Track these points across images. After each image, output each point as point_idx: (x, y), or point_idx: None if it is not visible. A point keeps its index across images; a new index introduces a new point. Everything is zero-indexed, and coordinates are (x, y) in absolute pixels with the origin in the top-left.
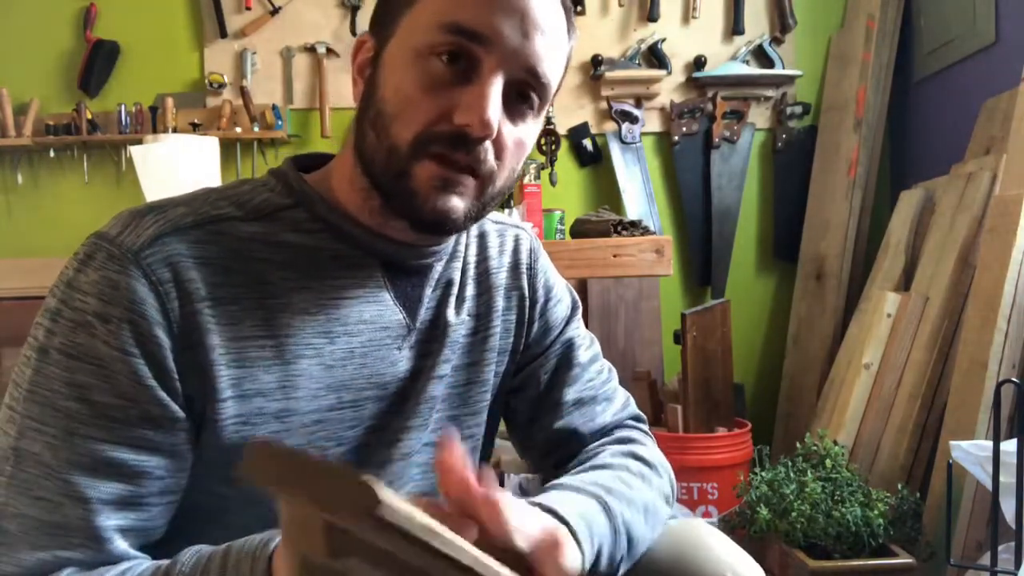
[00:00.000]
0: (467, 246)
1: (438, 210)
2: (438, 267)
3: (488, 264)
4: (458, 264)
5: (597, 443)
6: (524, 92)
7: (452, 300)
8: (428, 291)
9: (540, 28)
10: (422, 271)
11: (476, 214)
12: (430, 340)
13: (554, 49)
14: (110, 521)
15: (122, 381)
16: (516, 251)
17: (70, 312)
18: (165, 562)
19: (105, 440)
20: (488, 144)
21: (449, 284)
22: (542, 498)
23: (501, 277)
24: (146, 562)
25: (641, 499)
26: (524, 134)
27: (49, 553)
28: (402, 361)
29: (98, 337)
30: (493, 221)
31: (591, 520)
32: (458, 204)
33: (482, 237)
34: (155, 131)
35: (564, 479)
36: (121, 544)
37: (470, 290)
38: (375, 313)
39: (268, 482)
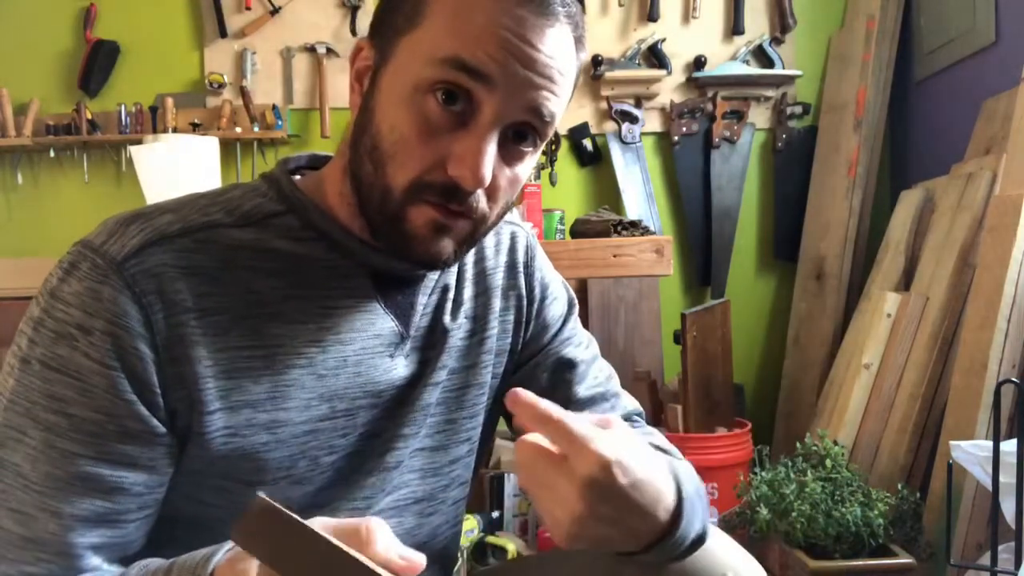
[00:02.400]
0: None
1: (431, 253)
2: (432, 274)
3: (485, 265)
4: (454, 268)
5: None
6: (523, 132)
7: (449, 305)
8: (422, 298)
9: (546, 67)
10: (414, 280)
11: (469, 248)
12: (427, 347)
13: (559, 86)
14: (83, 538)
15: (101, 395)
16: (512, 250)
17: (52, 322)
18: (117, 572)
19: (82, 455)
20: (480, 192)
21: (446, 289)
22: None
23: (498, 278)
24: (99, 572)
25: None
26: (520, 171)
27: (15, 568)
28: (397, 368)
29: (79, 349)
30: None
31: (695, 501)
32: (449, 245)
33: None
34: (155, 131)
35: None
36: (93, 560)
37: (467, 292)
38: (366, 321)
39: (262, 556)
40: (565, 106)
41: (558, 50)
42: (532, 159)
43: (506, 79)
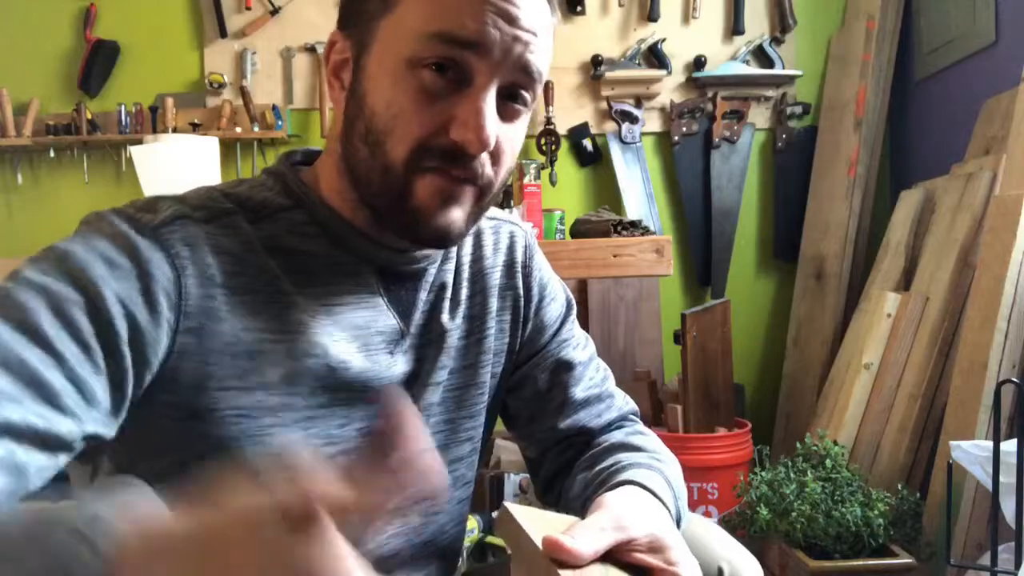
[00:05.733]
0: (460, 245)
1: (439, 226)
2: (432, 270)
3: (483, 264)
4: (451, 266)
5: (618, 429)
6: (514, 92)
7: (446, 304)
8: (422, 295)
9: (528, 23)
10: (417, 275)
11: (475, 220)
12: (425, 345)
13: (543, 41)
14: None
15: (101, 306)
16: (511, 249)
17: (67, 249)
18: None
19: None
20: (484, 156)
21: (443, 287)
22: (661, 490)
23: (495, 277)
24: None
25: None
26: (517, 131)
27: None
28: (396, 366)
29: (96, 270)
30: (488, 217)
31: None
32: (458, 216)
33: (476, 235)
34: (155, 131)
35: (653, 461)
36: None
37: (464, 292)
38: (368, 318)
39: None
40: (549, 63)
41: (534, 3)
42: (526, 118)
43: (495, 41)
